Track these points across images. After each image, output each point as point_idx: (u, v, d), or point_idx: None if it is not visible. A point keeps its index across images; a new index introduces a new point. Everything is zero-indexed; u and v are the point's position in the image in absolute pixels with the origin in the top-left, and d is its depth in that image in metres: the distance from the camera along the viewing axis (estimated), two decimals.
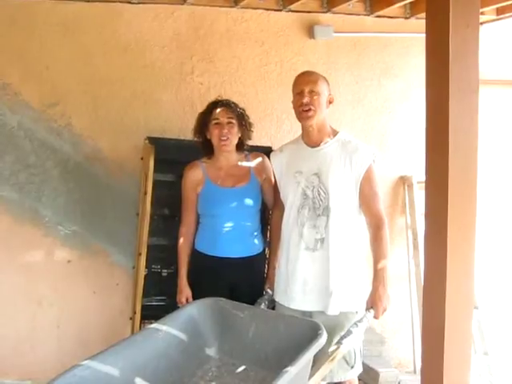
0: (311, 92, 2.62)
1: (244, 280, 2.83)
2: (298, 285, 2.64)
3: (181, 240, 2.92)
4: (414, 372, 3.95)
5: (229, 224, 2.85)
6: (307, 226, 2.63)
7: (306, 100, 2.61)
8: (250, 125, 2.99)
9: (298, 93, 2.66)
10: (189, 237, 2.93)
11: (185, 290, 2.85)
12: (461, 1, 2.20)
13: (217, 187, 2.90)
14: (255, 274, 2.93)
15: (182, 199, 2.96)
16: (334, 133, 2.72)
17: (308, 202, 2.64)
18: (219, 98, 2.98)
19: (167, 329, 2.25)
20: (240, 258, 2.85)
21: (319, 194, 2.62)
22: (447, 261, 2.23)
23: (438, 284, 2.27)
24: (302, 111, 2.63)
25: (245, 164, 2.97)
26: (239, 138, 2.94)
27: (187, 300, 2.81)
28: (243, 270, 2.83)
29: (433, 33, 2.33)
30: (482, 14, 3.73)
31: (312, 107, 2.61)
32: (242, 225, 2.87)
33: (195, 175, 2.93)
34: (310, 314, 2.61)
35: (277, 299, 2.75)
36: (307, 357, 2.01)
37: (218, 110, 2.89)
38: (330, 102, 2.71)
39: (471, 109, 2.26)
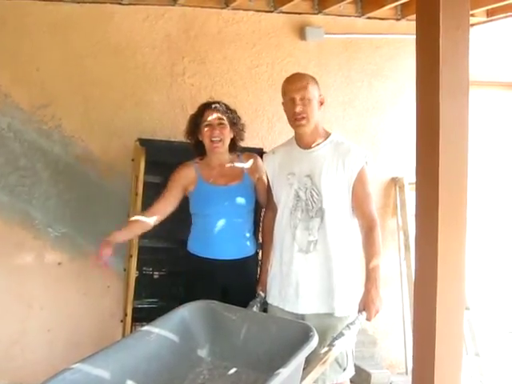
0: (303, 99, 2.59)
1: (236, 282, 2.82)
2: (292, 287, 2.63)
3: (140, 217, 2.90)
4: (406, 373, 3.96)
5: (221, 223, 2.84)
6: (300, 227, 2.62)
7: (298, 109, 2.59)
8: (243, 125, 2.99)
9: (289, 100, 2.64)
10: (145, 220, 2.87)
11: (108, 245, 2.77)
12: (451, 3, 2.20)
13: (209, 186, 2.89)
14: (247, 277, 2.92)
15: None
16: (327, 134, 2.71)
17: (301, 204, 2.63)
18: (210, 100, 2.98)
19: (159, 331, 2.24)
20: (232, 260, 2.84)
21: (312, 196, 2.61)
22: (438, 262, 2.23)
23: (429, 285, 2.27)
24: (296, 120, 2.62)
25: (238, 164, 2.97)
26: (232, 139, 2.93)
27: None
28: (235, 272, 2.83)
29: (423, 35, 2.33)
30: (473, 15, 3.75)
31: (305, 115, 2.59)
32: (233, 223, 2.86)
33: (188, 173, 2.93)
34: (302, 316, 2.60)
35: (270, 301, 2.73)
36: (299, 359, 2.00)
37: (209, 111, 2.89)
38: (322, 103, 2.69)
39: (462, 110, 2.26)
